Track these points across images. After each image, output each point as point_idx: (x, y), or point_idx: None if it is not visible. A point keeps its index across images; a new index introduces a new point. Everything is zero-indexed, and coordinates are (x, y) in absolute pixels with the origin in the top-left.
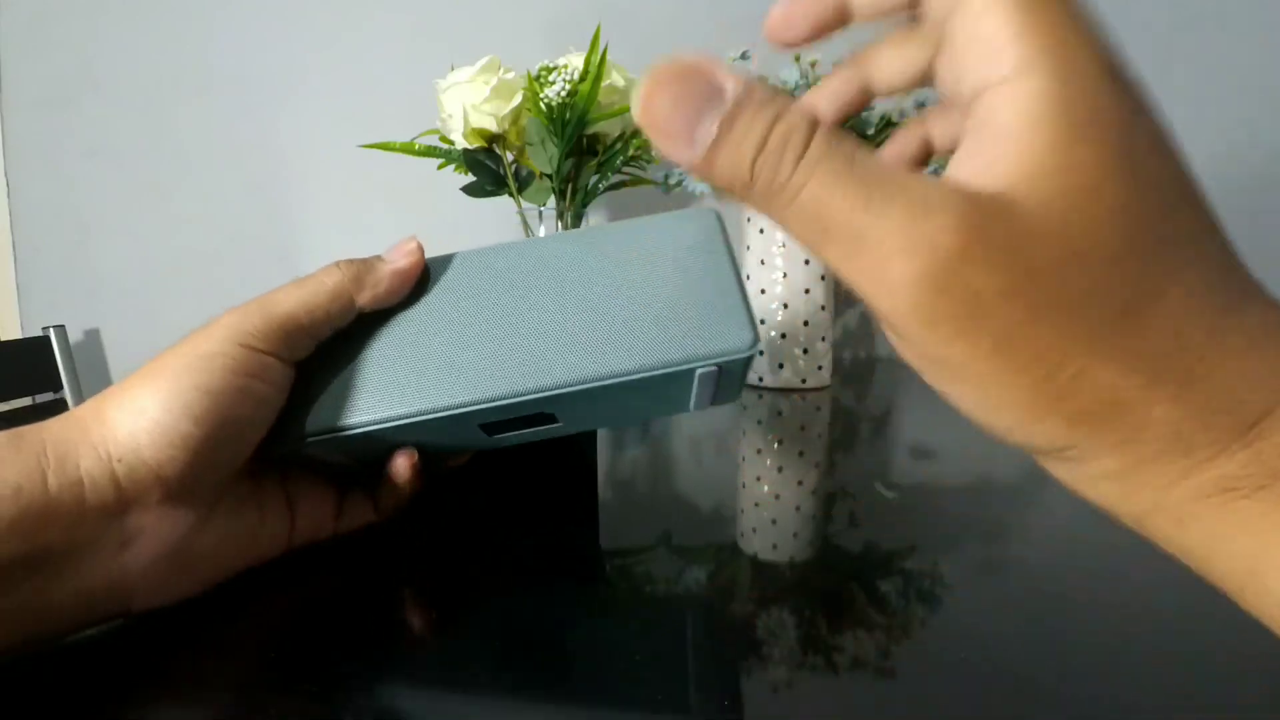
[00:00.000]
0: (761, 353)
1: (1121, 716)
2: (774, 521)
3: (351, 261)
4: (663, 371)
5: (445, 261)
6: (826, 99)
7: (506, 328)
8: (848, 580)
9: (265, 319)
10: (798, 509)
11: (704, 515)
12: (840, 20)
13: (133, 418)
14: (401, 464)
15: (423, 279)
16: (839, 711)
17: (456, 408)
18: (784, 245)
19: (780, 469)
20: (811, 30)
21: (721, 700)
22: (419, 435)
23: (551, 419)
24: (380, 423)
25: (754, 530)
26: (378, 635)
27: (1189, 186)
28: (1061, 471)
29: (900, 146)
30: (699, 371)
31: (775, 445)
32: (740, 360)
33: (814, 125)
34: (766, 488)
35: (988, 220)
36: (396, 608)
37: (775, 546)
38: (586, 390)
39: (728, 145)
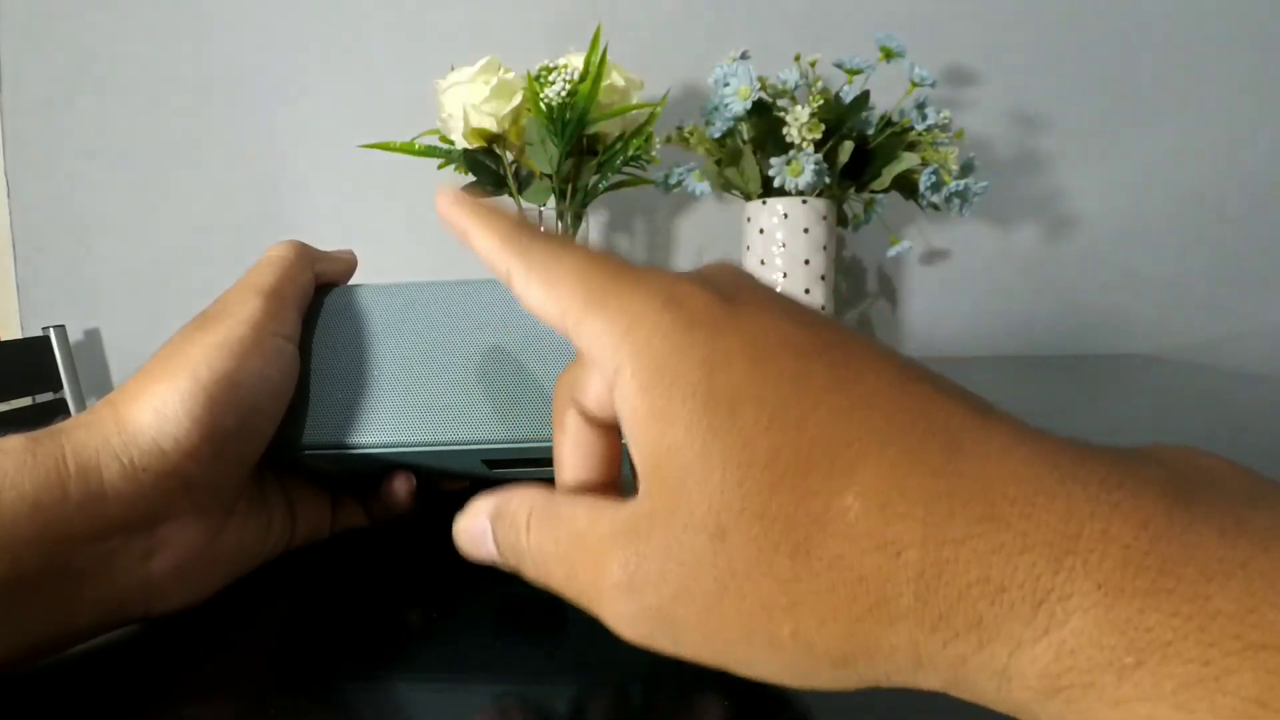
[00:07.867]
0: None
1: None
2: None
3: (290, 242)
4: None
5: (472, 289)
6: (575, 467)
7: (531, 369)
8: None
9: (264, 299)
10: None
11: None
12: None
13: (157, 423)
14: (399, 488)
15: (444, 303)
16: (838, 712)
17: (470, 443)
18: (784, 245)
19: None
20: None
21: (722, 701)
22: (420, 460)
23: None
24: (390, 446)
25: None
26: (378, 635)
27: (836, 378)
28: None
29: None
30: None
31: None
32: None
33: (529, 510)
34: None
35: (634, 540)
36: (397, 608)
37: None
38: None
39: (500, 544)
